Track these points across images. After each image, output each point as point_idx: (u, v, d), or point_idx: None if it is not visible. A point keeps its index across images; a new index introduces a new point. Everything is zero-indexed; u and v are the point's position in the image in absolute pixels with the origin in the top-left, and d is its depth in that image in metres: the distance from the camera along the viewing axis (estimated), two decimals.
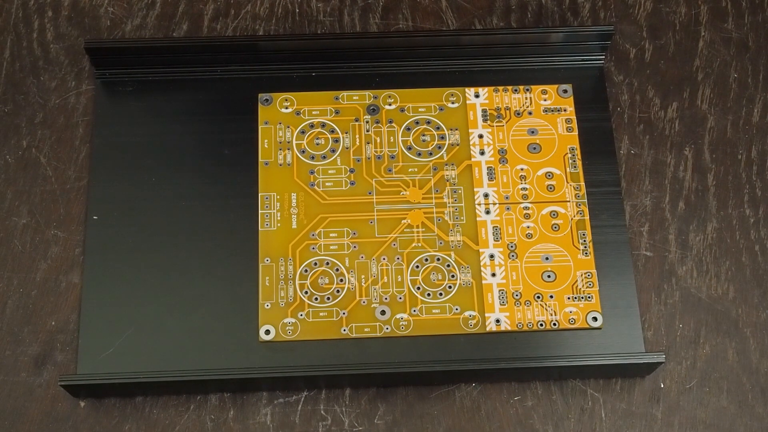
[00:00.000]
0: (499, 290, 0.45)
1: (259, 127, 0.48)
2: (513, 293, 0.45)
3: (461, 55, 0.49)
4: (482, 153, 0.48)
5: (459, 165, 0.48)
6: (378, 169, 0.47)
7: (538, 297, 0.45)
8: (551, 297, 0.45)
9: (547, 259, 0.46)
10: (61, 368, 0.44)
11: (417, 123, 0.48)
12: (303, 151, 0.48)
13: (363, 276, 0.45)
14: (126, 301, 0.44)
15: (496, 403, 0.44)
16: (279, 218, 0.46)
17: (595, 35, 0.49)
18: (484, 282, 0.45)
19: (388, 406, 0.44)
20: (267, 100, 0.48)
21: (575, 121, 0.48)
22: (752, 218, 0.48)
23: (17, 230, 0.47)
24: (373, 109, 0.49)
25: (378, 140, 0.48)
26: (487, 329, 0.45)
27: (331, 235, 0.46)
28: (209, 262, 0.45)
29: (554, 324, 0.45)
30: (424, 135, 0.48)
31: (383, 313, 0.45)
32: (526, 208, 0.47)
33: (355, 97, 0.49)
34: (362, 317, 0.45)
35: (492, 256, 0.46)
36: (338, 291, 0.45)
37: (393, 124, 0.48)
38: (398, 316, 0.45)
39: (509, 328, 0.45)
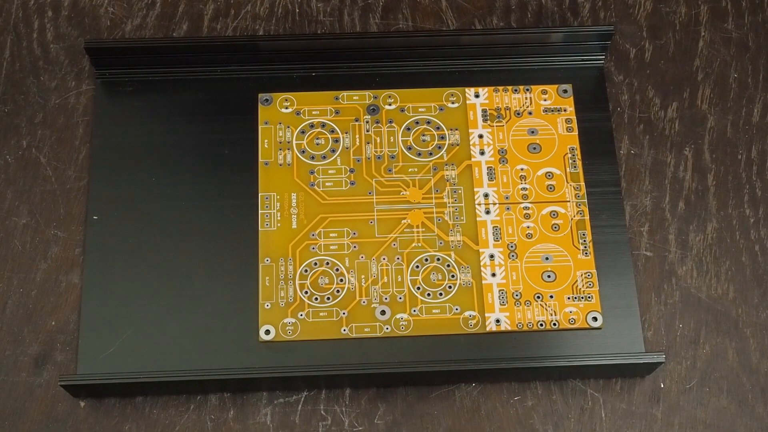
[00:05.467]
0: (499, 290, 0.45)
1: (259, 127, 0.48)
2: (513, 293, 0.45)
3: (461, 55, 0.49)
4: (482, 153, 0.48)
5: (459, 165, 0.48)
6: (378, 169, 0.47)
7: (538, 297, 0.45)
8: (551, 297, 0.45)
9: (547, 259, 0.46)
10: (61, 368, 0.44)
11: (417, 123, 0.48)
12: (303, 151, 0.48)
13: (363, 276, 0.45)
14: (126, 301, 0.44)
15: (496, 403, 0.44)
16: (279, 218, 0.46)
17: (595, 35, 0.49)
18: (484, 282, 0.45)
19: (388, 406, 0.44)
20: (267, 100, 0.48)
21: (575, 121, 0.48)
22: (752, 218, 0.48)
23: (17, 230, 0.47)
24: (373, 109, 0.49)
25: (378, 140, 0.48)
26: (487, 329, 0.45)
27: (331, 235, 0.46)
28: (209, 262, 0.45)
29: (554, 324, 0.45)
30: (424, 135, 0.48)
31: (383, 313, 0.45)
32: (526, 208, 0.47)
33: (355, 97, 0.49)
34: (362, 317, 0.45)
35: (492, 256, 0.46)
36: (338, 291, 0.45)
37: (393, 124, 0.48)
38: (398, 316, 0.45)
39: (509, 328, 0.45)
